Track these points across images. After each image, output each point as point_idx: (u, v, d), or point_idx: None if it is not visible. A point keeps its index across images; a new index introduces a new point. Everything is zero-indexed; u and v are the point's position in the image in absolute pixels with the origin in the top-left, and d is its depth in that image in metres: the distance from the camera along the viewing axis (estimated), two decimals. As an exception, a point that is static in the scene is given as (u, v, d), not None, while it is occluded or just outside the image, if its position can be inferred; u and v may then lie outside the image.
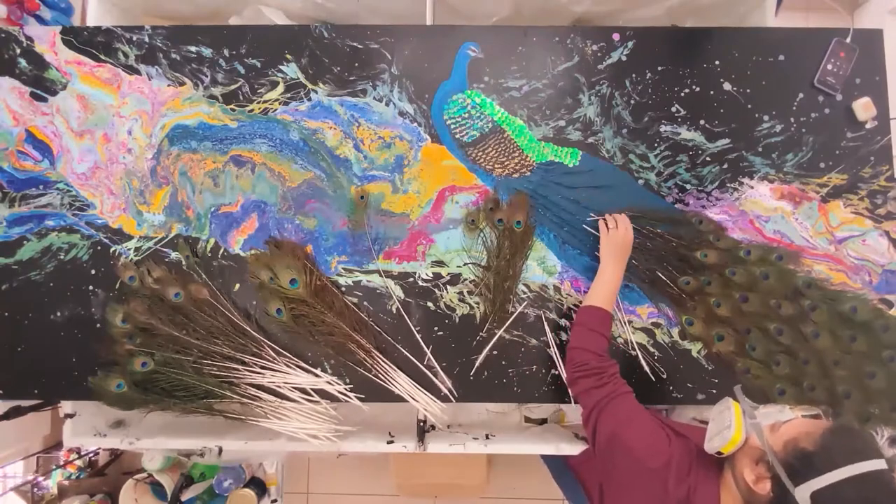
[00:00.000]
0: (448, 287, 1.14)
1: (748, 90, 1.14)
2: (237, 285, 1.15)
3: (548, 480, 1.37)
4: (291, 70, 1.17)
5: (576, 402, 0.97)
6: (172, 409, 1.12)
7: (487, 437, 1.21)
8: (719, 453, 0.72)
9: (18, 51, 1.17)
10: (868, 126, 1.12)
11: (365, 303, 1.14)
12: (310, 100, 1.16)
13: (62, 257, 1.15)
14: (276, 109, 1.16)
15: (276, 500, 1.54)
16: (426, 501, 2.05)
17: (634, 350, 1.11)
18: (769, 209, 1.13)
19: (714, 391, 1.11)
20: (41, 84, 1.17)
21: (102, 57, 1.17)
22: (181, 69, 1.17)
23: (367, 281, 1.14)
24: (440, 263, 1.14)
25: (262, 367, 1.11)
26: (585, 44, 1.15)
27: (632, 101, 1.15)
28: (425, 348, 1.12)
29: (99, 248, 1.15)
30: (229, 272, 1.15)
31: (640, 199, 1.14)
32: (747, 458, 0.71)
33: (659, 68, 1.15)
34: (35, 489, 1.75)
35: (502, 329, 1.12)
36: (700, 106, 1.14)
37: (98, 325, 1.14)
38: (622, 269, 1.04)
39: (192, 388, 1.11)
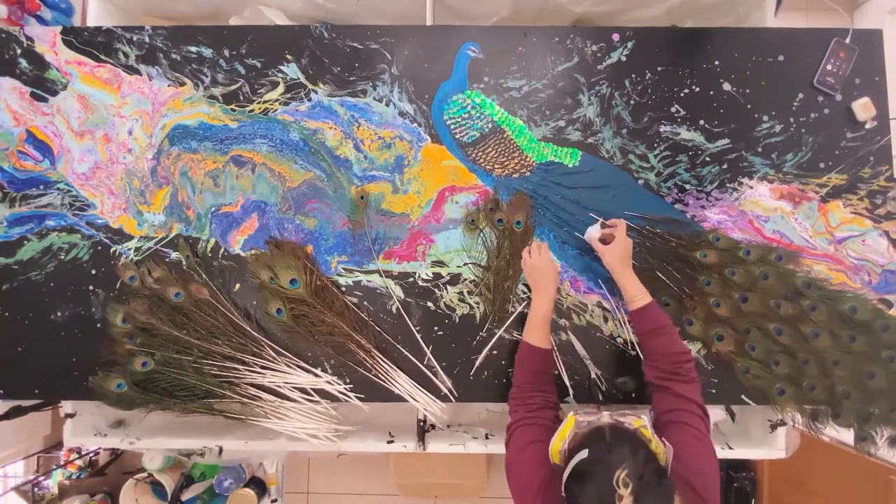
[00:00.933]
0: (448, 287, 1.14)
1: (748, 90, 1.14)
2: (237, 285, 1.15)
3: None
4: (292, 70, 1.17)
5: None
6: (173, 409, 1.12)
7: (487, 437, 1.21)
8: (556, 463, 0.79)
9: (19, 51, 1.17)
10: (868, 126, 1.13)
11: (365, 303, 1.14)
12: (310, 100, 1.17)
13: (63, 257, 1.15)
14: (276, 110, 1.17)
15: (276, 500, 1.54)
16: (426, 501, 2.05)
17: (634, 350, 1.11)
18: (769, 209, 1.13)
19: (713, 391, 1.11)
20: (42, 84, 1.17)
21: (103, 57, 1.18)
22: (181, 69, 1.17)
23: (368, 281, 1.15)
24: (440, 263, 1.14)
25: (263, 367, 1.11)
26: (585, 44, 1.15)
27: (631, 102, 1.15)
28: (425, 348, 1.13)
29: (99, 248, 1.15)
30: (229, 272, 1.15)
31: (640, 199, 1.14)
32: None
33: (658, 68, 1.15)
34: (35, 489, 1.75)
35: (502, 329, 1.12)
36: (700, 106, 1.14)
37: (98, 325, 1.14)
38: (546, 296, 1.01)
39: (193, 388, 1.11)
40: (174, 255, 1.15)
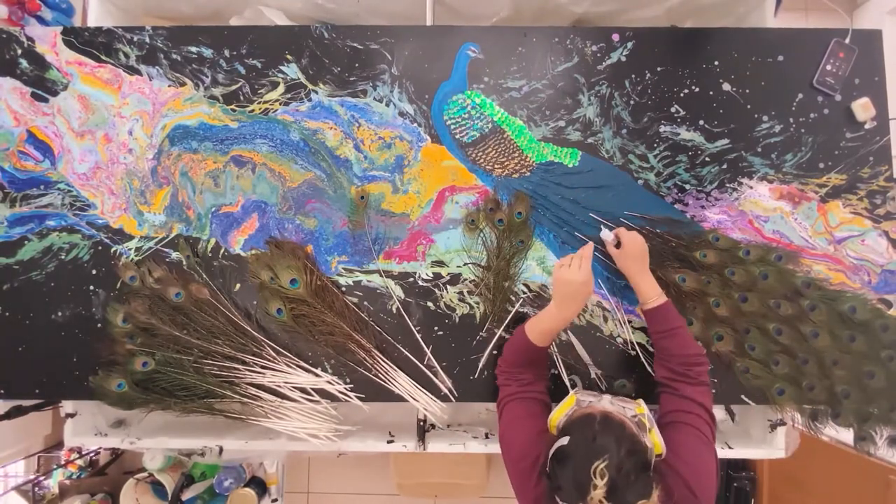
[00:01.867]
0: (448, 287, 1.14)
1: (747, 90, 1.14)
2: (238, 285, 1.15)
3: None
4: (292, 70, 1.17)
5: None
6: (173, 409, 1.12)
7: (487, 437, 1.21)
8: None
9: (19, 51, 1.18)
10: (867, 126, 1.13)
11: (365, 303, 1.14)
12: (310, 100, 1.17)
13: (63, 257, 1.15)
14: (276, 110, 1.17)
15: (276, 500, 1.54)
16: (426, 501, 2.06)
17: (634, 350, 1.11)
18: (768, 209, 1.13)
19: (713, 391, 1.11)
20: (42, 84, 1.18)
21: (103, 57, 1.18)
22: (182, 69, 1.17)
23: (368, 281, 1.15)
24: (440, 263, 1.15)
25: (263, 367, 1.11)
26: (585, 44, 1.16)
27: (631, 102, 1.15)
28: (425, 348, 1.13)
29: (100, 248, 1.16)
30: (230, 272, 1.15)
31: (640, 199, 1.14)
32: None
33: (658, 69, 1.15)
34: (36, 488, 1.76)
35: (502, 329, 1.12)
36: (699, 106, 1.15)
37: (99, 325, 1.14)
38: (567, 314, 0.93)
39: (193, 388, 1.11)
40: (174, 255, 1.15)
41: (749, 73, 1.14)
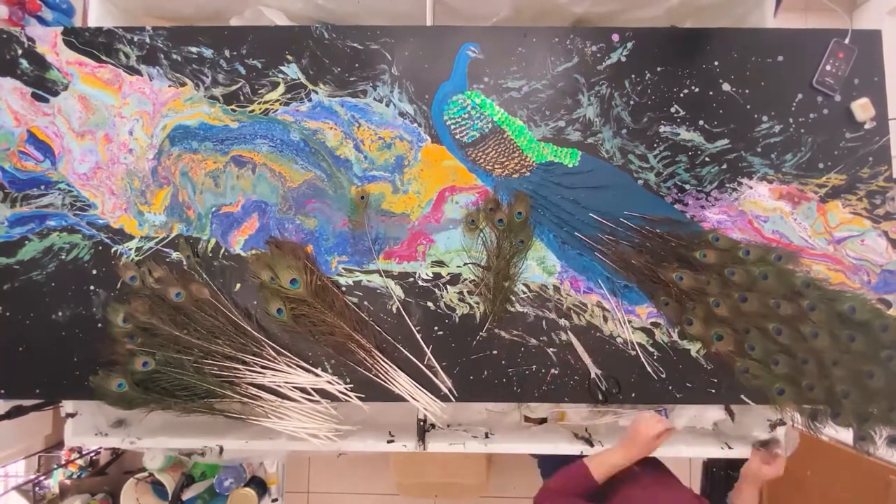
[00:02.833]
0: (448, 287, 1.14)
1: (747, 91, 1.14)
2: (238, 285, 1.15)
3: (547, 480, 1.37)
4: (292, 71, 1.17)
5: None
6: (173, 409, 1.12)
7: (487, 436, 1.21)
8: None
9: (20, 51, 1.18)
10: (867, 127, 1.13)
11: (365, 303, 1.14)
12: (310, 100, 1.17)
13: (63, 257, 1.16)
14: (276, 110, 1.17)
15: (276, 500, 1.54)
16: (426, 501, 2.06)
17: (634, 350, 1.12)
18: (768, 209, 1.13)
19: (713, 391, 1.11)
20: (43, 85, 1.18)
21: (104, 58, 1.18)
22: (182, 70, 1.17)
23: (368, 281, 1.15)
24: (440, 263, 1.15)
25: (263, 367, 1.11)
26: (585, 44, 1.16)
27: (631, 102, 1.15)
28: (425, 348, 1.13)
29: (100, 248, 1.16)
30: (230, 272, 1.15)
31: (640, 199, 1.14)
32: None
33: (658, 69, 1.15)
34: (37, 488, 1.76)
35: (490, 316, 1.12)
36: (699, 106, 1.15)
37: (99, 325, 1.14)
38: (629, 455, 0.97)
39: (193, 388, 1.11)
40: (175, 255, 1.15)
41: (749, 73, 1.14)
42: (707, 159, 1.14)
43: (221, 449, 1.21)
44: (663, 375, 1.12)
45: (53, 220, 1.16)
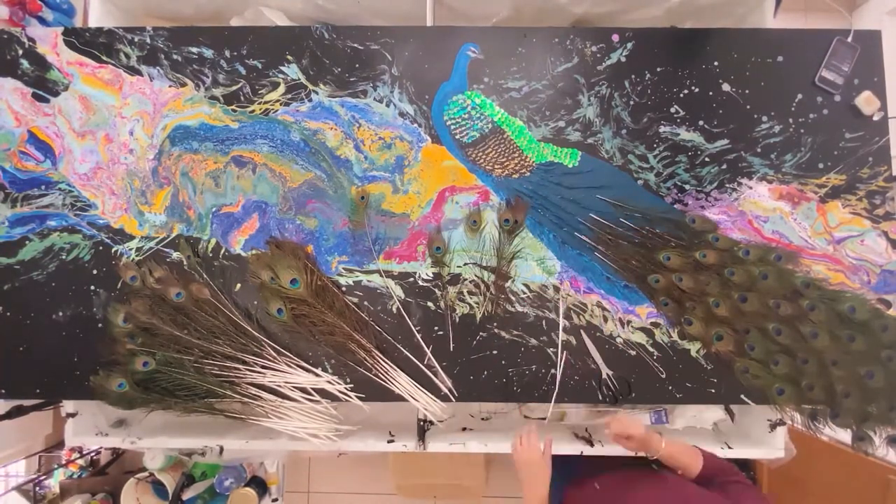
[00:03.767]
0: (448, 287, 1.14)
1: (747, 91, 1.15)
2: (238, 285, 1.15)
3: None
4: (292, 71, 1.17)
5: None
6: (174, 409, 1.12)
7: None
8: None
9: (21, 52, 1.18)
10: (875, 119, 1.12)
11: (365, 303, 1.14)
12: (311, 100, 1.17)
13: (64, 257, 1.16)
14: (277, 110, 1.17)
15: (276, 499, 1.54)
16: (426, 501, 2.06)
17: (634, 350, 1.12)
18: (768, 209, 1.13)
19: (713, 391, 1.11)
20: (43, 85, 1.18)
21: (104, 58, 1.18)
22: (182, 70, 1.18)
23: (368, 281, 1.15)
24: (440, 263, 1.15)
25: (263, 367, 1.11)
26: (585, 45, 1.16)
27: (631, 102, 1.15)
28: (425, 348, 1.13)
29: (101, 248, 1.16)
30: (230, 272, 1.15)
31: (640, 199, 1.14)
32: None
33: (658, 69, 1.15)
34: (37, 488, 1.76)
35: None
36: (699, 107, 1.15)
37: (100, 325, 1.14)
38: (536, 495, 0.94)
39: (194, 388, 1.11)
40: (175, 255, 1.16)
41: (749, 73, 1.15)
42: (707, 159, 1.14)
43: (222, 449, 1.21)
44: (663, 375, 1.12)
45: (54, 221, 1.16)
